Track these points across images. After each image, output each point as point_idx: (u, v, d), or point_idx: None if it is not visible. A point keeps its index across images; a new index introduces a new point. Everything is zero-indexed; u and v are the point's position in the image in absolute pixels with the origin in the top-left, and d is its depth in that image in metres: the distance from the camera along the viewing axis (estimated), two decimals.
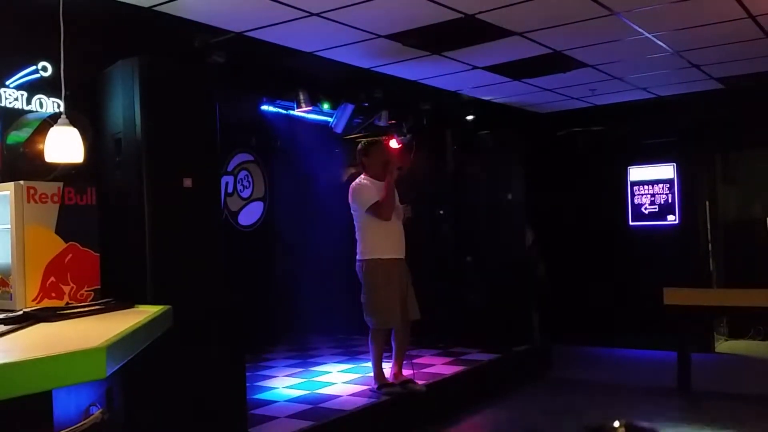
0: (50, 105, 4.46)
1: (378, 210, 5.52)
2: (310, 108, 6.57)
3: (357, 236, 5.67)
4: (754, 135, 8.42)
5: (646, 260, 8.58)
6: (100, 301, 3.69)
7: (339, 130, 7.00)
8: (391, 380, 5.74)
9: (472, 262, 7.73)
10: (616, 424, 1.15)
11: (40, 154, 3.72)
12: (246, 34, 5.26)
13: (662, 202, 8.89)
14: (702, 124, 8.42)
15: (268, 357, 7.24)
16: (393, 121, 7.56)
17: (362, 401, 5.48)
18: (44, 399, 2.39)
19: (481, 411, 6.22)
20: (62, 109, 3.86)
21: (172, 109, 4.33)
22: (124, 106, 4.27)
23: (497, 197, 7.81)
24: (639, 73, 7.23)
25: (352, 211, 5.70)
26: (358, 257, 5.66)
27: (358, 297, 6.82)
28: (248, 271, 7.12)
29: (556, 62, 6.54)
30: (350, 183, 6.00)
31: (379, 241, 5.59)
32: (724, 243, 9.18)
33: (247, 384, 5.02)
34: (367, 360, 7.01)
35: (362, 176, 5.71)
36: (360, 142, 5.89)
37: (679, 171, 8.80)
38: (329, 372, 6.46)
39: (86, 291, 4.00)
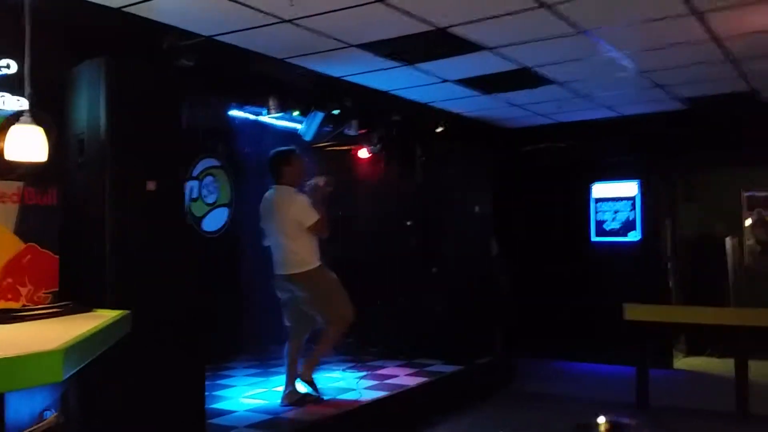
0: (14, 103, 4.36)
1: (321, 228, 5.52)
2: (280, 114, 6.53)
3: (290, 248, 5.51)
4: (716, 155, 8.61)
5: (607, 276, 8.68)
6: (57, 304, 3.62)
7: (308, 138, 6.96)
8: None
9: (438, 273, 7.75)
10: (602, 420, 1.16)
11: (1, 152, 3.65)
12: (216, 38, 5.22)
13: (624, 219, 9.03)
14: (665, 144, 8.58)
15: (229, 366, 7.14)
16: (363, 131, 7.56)
17: (325, 412, 5.43)
18: None
19: (443, 423, 6.21)
20: (26, 107, 3.78)
21: (138, 110, 4.26)
22: (88, 106, 4.20)
23: (464, 209, 7.85)
24: (604, 92, 7.35)
25: (280, 223, 5.54)
26: (303, 269, 5.50)
27: None
28: (211, 278, 7.02)
29: (525, 78, 6.62)
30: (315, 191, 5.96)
31: (315, 248, 5.57)
32: (684, 261, 9.36)
33: (207, 393, 4.94)
34: (330, 370, 6.99)
35: (288, 187, 5.60)
36: (277, 152, 5.75)
37: (642, 189, 8.94)
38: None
39: (44, 293, 3.92)
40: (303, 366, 5.68)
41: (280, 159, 5.68)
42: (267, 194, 5.75)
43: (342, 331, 5.73)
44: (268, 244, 5.72)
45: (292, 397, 5.56)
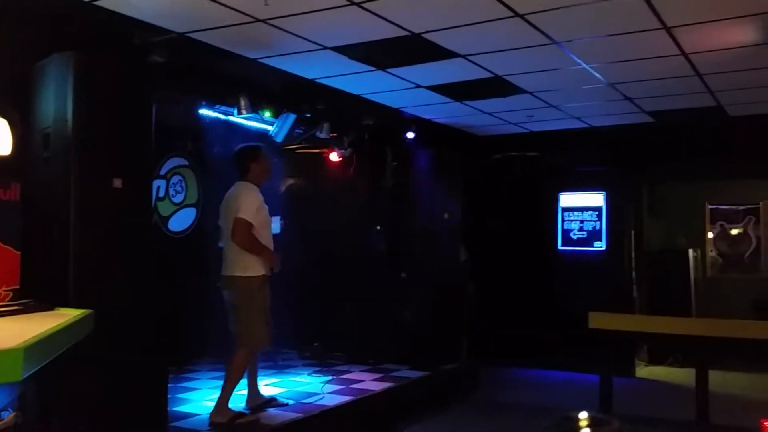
0: None
1: (239, 232, 5.12)
2: (251, 115, 6.47)
3: (234, 248, 5.20)
4: (681, 168, 8.78)
5: (573, 284, 8.77)
6: (18, 302, 3.54)
7: (279, 139, 6.91)
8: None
9: (407, 278, 7.75)
10: (583, 415, 1.18)
11: None
12: (189, 34, 5.15)
13: (590, 229, 9.14)
14: (632, 156, 8.71)
15: (193, 368, 7.06)
16: (334, 134, 7.54)
17: (287, 416, 5.39)
18: None
19: (408, 428, 6.20)
20: None
21: (106, 106, 4.19)
22: (55, 101, 4.12)
23: (434, 215, 7.87)
24: (574, 103, 7.44)
25: (229, 220, 5.22)
26: (238, 273, 5.19)
27: (288, 309, 6.72)
28: (177, 279, 6.93)
29: (496, 86, 6.67)
30: (288, 193, 5.93)
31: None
32: (648, 271, 9.50)
33: (170, 395, 4.88)
34: (296, 374, 6.94)
35: (249, 184, 5.35)
36: (245, 146, 5.51)
37: (608, 199, 9.07)
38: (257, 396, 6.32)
39: (4, 290, 3.82)
40: (216, 409, 5.17)
41: (246, 154, 5.47)
42: (228, 191, 5.48)
43: (249, 357, 5.28)
44: (222, 245, 5.43)
45: (227, 415, 5.17)
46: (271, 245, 5.39)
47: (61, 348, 2.81)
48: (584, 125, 8.56)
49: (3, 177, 3.90)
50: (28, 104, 4.30)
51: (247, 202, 5.22)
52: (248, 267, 5.21)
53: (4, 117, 3.52)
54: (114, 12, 4.64)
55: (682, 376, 8.65)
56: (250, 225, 5.16)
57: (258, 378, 5.67)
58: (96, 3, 4.51)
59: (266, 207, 5.40)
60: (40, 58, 4.28)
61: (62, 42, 4.31)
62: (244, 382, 5.43)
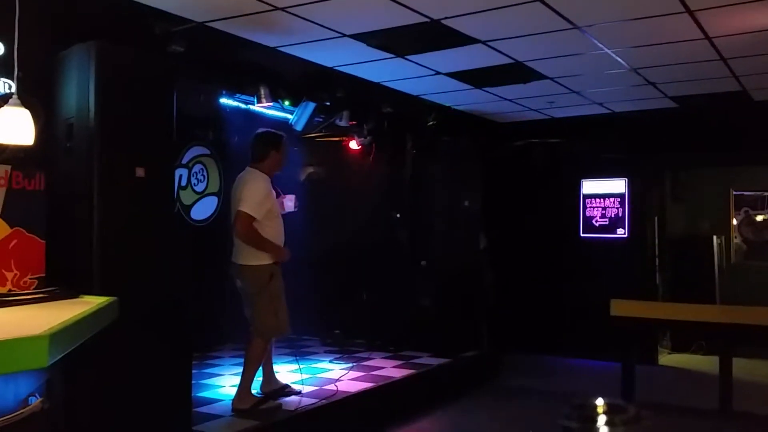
0: (1, 86, 4.31)
1: (241, 223, 5.03)
2: (271, 104, 6.49)
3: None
4: (704, 154, 8.65)
5: (595, 272, 8.71)
6: (44, 290, 3.59)
7: (299, 128, 6.93)
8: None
9: (427, 266, 7.76)
10: (599, 402, 1.18)
11: None
12: (208, 24, 5.18)
13: (613, 216, 9.06)
14: (654, 142, 8.61)
15: (216, 355, 7.14)
16: (354, 122, 7.54)
17: (309, 401, 5.43)
18: None
19: (429, 415, 6.23)
20: (14, 90, 3.74)
21: (128, 96, 4.22)
22: (78, 91, 4.16)
23: (454, 203, 7.86)
24: (596, 88, 7.36)
25: (239, 211, 5.06)
26: (246, 261, 5.14)
27: (310, 297, 6.77)
28: (199, 266, 6.99)
29: (517, 72, 6.61)
30: (308, 181, 5.94)
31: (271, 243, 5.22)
32: (671, 258, 9.41)
33: (193, 381, 4.92)
34: (318, 360, 6.99)
35: (261, 173, 5.23)
36: (269, 132, 5.40)
37: (630, 186, 8.98)
38: (277, 372, 6.37)
39: (30, 279, 3.88)
40: (237, 396, 5.22)
41: (270, 140, 5.33)
42: (239, 176, 5.37)
43: (265, 345, 5.27)
44: None
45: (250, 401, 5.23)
46: (280, 236, 5.25)
47: (85, 335, 2.85)
48: (606, 111, 8.47)
49: (27, 167, 3.95)
50: (51, 94, 4.34)
51: (252, 193, 5.07)
52: (257, 255, 5.13)
53: (27, 107, 3.56)
54: (134, 2, 4.67)
55: (706, 363, 8.58)
56: (251, 218, 5.02)
57: (277, 364, 5.71)
58: None
59: (274, 194, 5.29)
60: (62, 48, 4.32)
61: (83, 32, 4.34)
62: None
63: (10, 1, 3.52)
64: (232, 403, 5.20)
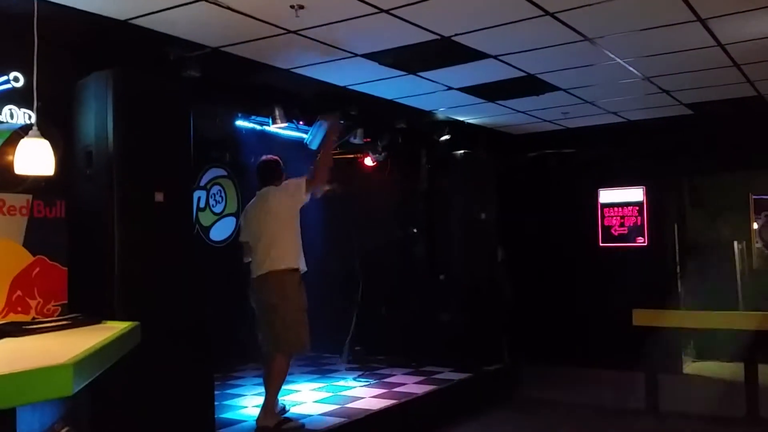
0: (21, 116, 4.41)
1: (319, 177, 5.38)
2: (285, 124, 6.55)
3: (276, 243, 5.20)
4: (722, 159, 8.58)
5: (615, 281, 8.64)
6: (67, 316, 3.63)
7: (314, 146, 6.97)
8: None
9: (445, 280, 7.75)
10: None
11: (10, 166, 3.67)
12: (222, 49, 5.25)
13: (632, 225, 9.01)
14: (671, 149, 8.56)
15: (238, 375, 7.16)
16: (368, 139, 7.58)
17: (333, 421, 5.43)
18: (8, 416, 2.34)
19: (452, 431, 6.19)
20: (34, 120, 3.81)
21: (146, 122, 4.30)
22: (96, 119, 4.23)
23: (470, 216, 7.85)
24: (610, 98, 7.34)
25: (275, 217, 5.26)
26: (279, 266, 5.15)
27: (330, 313, 6.78)
28: (219, 287, 7.04)
29: (529, 85, 6.62)
30: (325, 198, 6.00)
31: (299, 252, 5.30)
32: (692, 265, 9.32)
33: (216, 402, 4.95)
34: (339, 378, 6.99)
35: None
36: (275, 158, 5.63)
37: (648, 194, 8.92)
38: (299, 390, 6.40)
39: (53, 306, 3.93)
40: (262, 413, 5.17)
41: (279, 164, 5.57)
42: (258, 196, 5.51)
43: (289, 361, 5.23)
44: (249, 260, 5.43)
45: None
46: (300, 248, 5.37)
47: (109, 361, 2.88)
48: (621, 120, 8.44)
49: (48, 195, 4.02)
50: (70, 123, 4.42)
51: (295, 183, 5.34)
52: (281, 259, 5.13)
53: (47, 136, 3.62)
54: (149, 29, 4.75)
55: (732, 371, 8.46)
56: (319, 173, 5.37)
57: (300, 383, 5.72)
58: (131, 21, 4.62)
59: None
60: (80, 77, 4.41)
61: (100, 61, 4.42)
62: (288, 386, 5.48)
63: (28, 33, 3.59)
64: (257, 421, 5.20)
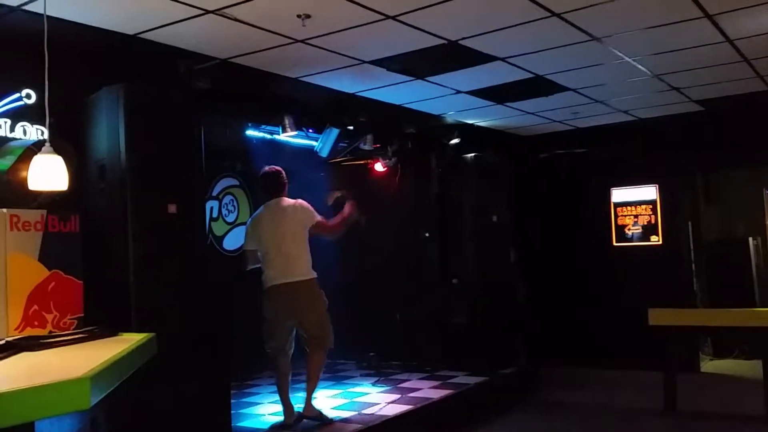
0: (34, 132, 4.46)
1: (331, 227, 5.77)
2: (295, 132, 6.59)
3: (295, 255, 5.50)
4: (734, 155, 8.53)
5: (631, 280, 8.61)
6: (83, 330, 3.67)
7: (324, 154, 7.02)
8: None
9: (459, 284, 7.74)
10: None
11: (24, 182, 3.71)
12: (231, 60, 5.29)
13: (645, 223, 8.97)
14: (683, 146, 8.52)
15: (254, 383, 7.18)
16: (378, 145, 7.59)
17: (349, 427, 5.44)
18: (27, 430, 2.36)
19: None
20: (46, 136, 3.85)
21: (157, 135, 4.34)
22: (108, 133, 4.28)
23: (482, 219, 7.84)
24: (620, 97, 7.32)
25: (289, 230, 5.52)
26: (308, 276, 5.51)
27: (345, 320, 6.80)
28: (233, 295, 7.07)
29: (538, 86, 6.62)
30: (335, 206, 6.05)
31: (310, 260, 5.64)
32: (708, 263, 9.26)
33: (233, 411, 4.97)
34: (354, 384, 6.99)
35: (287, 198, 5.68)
36: (279, 169, 5.77)
37: (662, 192, 8.88)
38: (315, 397, 6.39)
39: (69, 319, 3.97)
40: (306, 403, 5.58)
41: (282, 175, 5.69)
42: (265, 209, 5.66)
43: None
44: (253, 266, 5.68)
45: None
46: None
47: (126, 373, 2.91)
48: (632, 118, 8.41)
49: (62, 210, 4.06)
50: (82, 137, 4.47)
51: (308, 210, 5.63)
52: (309, 269, 5.53)
53: (60, 152, 3.65)
54: (158, 43, 4.80)
55: (750, 368, 8.40)
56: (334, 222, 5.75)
57: (316, 389, 5.76)
58: (141, 36, 4.67)
59: None
60: (91, 92, 4.45)
61: (111, 75, 4.47)
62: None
63: (39, 50, 3.63)
64: (301, 414, 5.56)
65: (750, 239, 9.32)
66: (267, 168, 5.75)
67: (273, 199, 5.63)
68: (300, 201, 5.66)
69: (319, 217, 5.64)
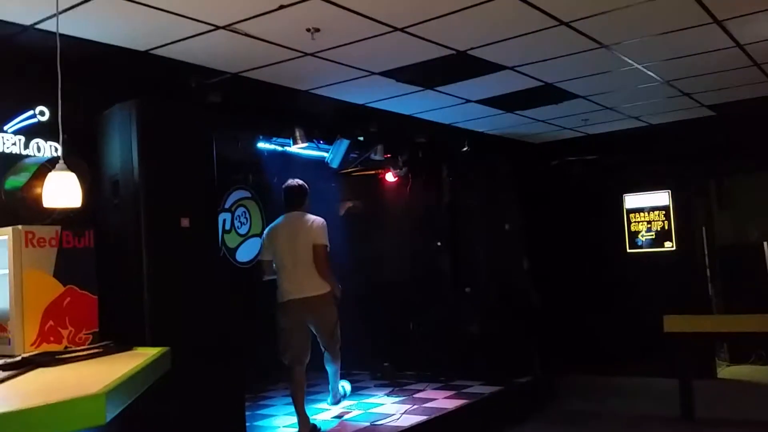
0: (48, 149, 4.51)
1: (324, 257, 5.74)
2: (306, 144, 6.62)
3: (311, 271, 5.65)
4: (747, 160, 8.48)
5: (645, 287, 8.56)
6: (98, 345, 3.69)
7: (335, 165, 7.05)
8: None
9: (471, 293, 7.72)
10: None
11: (39, 199, 3.74)
12: (242, 74, 5.33)
13: (659, 229, 8.92)
14: (695, 151, 8.48)
15: (269, 395, 7.18)
16: (388, 155, 7.62)
17: None
18: None
19: None
20: (60, 153, 3.89)
21: (169, 150, 4.37)
22: (121, 149, 4.31)
23: (494, 227, 7.83)
24: (630, 103, 7.30)
25: (304, 244, 5.65)
26: (323, 291, 5.67)
27: (359, 330, 6.88)
28: (247, 307, 7.09)
29: (547, 94, 6.62)
30: (348, 215, 6.10)
31: None
32: (722, 268, 9.19)
33: (248, 423, 4.98)
34: (369, 395, 6.99)
35: (305, 213, 5.79)
36: (301, 182, 5.92)
37: (674, 198, 8.84)
38: (328, 409, 6.40)
39: (85, 334, 3.99)
40: (331, 396, 6.14)
41: (306, 190, 5.83)
42: (284, 220, 5.79)
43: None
44: (269, 277, 5.81)
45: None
46: None
47: (141, 388, 2.92)
48: (643, 124, 8.39)
49: (77, 226, 4.08)
50: (96, 153, 4.51)
51: (325, 229, 5.69)
52: (324, 284, 5.68)
53: (73, 168, 3.68)
54: (170, 59, 4.85)
55: (767, 374, 8.33)
56: (324, 251, 5.69)
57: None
58: (152, 52, 4.72)
59: None
60: (104, 108, 4.50)
61: (123, 91, 4.52)
62: (320, 406, 5.54)
63: (52, 67, 3.67)
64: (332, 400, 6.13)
65: (765, 244, 9.23)
66: (291, 181, 5.88)
67: (293, 211, 5.71)
68: (320, 219, 5.75)
69: (325, 242, 5.68)
